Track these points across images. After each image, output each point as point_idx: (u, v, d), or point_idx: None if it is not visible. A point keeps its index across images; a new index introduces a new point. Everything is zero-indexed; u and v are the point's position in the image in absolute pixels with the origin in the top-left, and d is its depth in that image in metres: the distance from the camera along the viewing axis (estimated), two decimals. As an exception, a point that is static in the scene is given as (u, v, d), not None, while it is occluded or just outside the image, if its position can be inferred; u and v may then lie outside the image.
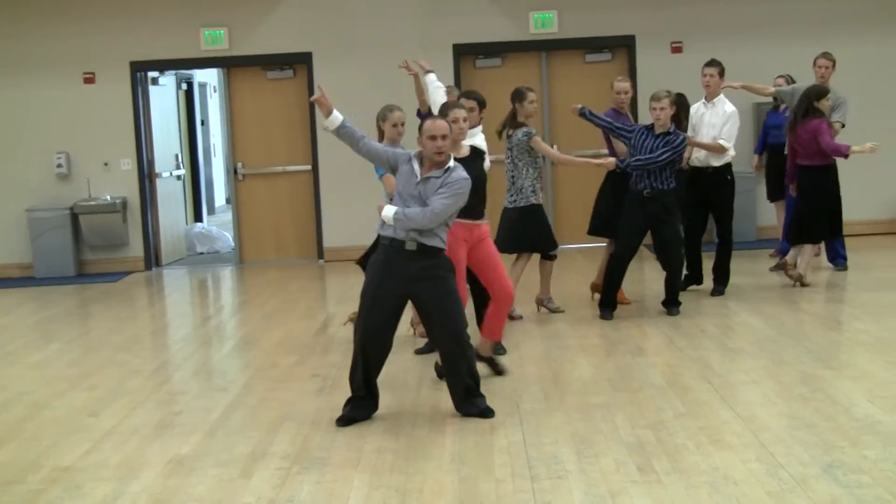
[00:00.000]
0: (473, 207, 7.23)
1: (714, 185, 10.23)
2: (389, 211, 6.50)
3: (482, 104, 8.49)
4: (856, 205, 12.22)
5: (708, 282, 10.49)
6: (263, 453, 6.15)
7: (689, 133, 10.16)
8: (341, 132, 6.80)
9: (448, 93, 8.90)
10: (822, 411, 6.38)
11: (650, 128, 9.38)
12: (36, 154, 14.35)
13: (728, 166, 10.26)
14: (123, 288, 13.28)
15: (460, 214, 6.82)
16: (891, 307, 9.50)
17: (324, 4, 14.23)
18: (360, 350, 6.65)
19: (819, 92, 10.19)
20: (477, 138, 8.21)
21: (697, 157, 10.25)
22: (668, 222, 9.34)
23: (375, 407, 6.76)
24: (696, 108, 10.36)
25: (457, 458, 5.88)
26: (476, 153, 7.68)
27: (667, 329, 8.92)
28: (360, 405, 6.70)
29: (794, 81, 11.79)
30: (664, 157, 9.14)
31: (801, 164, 10.29)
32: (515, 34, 14.21)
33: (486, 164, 7.94)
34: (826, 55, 11.23)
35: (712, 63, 10.37)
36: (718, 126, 10.11)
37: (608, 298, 9.53)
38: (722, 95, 10.31)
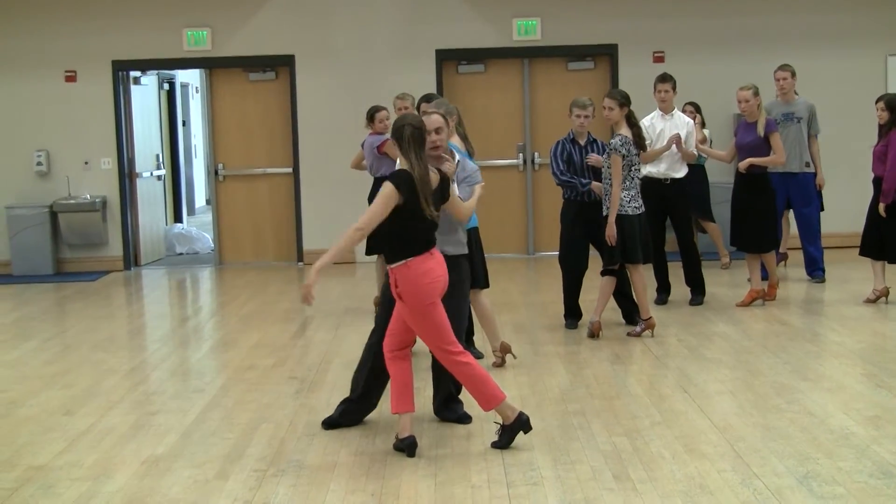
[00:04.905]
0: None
1: (674, 196, 10.29)
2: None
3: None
4: (833, 217, 12.27)
5: (686, 293, 10.52)
6: (240, 455, 6.14)
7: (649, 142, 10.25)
8: None
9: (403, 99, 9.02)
10: (798, 422, 6.42)
11: (573, 140, 9.26)
12: (16, 151, 14.27)
13: (687, 178, 10.44)
14: (101, 287, 13.22)
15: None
16: (866, 320, 9.55)
17: (307, 8, 14.22)
18: (372, 351, 6.60)
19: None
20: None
21: (658, 168, 10.27)
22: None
23: (368, 411, 6.73)
24: (652, 121, 10.35)
25: (433, 464, 5.89)
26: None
27: (644, 338, 8.94)
28: (352, 410, 6.65)
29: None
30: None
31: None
32: (498, 41, 14.22)
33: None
34: (783, 67, 11.26)
35: (666, 79, 10.41)
36: (682, 137, 10.17)
37: (572, 308, 9.52)
38: (676, 108, 10.50)
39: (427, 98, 8.66)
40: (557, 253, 9.69)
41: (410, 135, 6.01)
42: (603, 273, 9.04)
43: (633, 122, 8.91)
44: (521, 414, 6.12)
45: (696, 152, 10.50)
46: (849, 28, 14.09)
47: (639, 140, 8.90)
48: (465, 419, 6.60)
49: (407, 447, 6.02)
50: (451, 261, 6.43)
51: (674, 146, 10.02)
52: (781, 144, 10.12)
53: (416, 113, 6.53)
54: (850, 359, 8.09)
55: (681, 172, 10.32)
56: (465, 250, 6.86)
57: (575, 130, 9.25)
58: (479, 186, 6.89)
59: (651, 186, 10.26)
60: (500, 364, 8.08)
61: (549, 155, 9.38)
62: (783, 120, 11.07)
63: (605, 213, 8.88)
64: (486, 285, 8.08)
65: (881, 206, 9.92)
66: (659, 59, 14.00)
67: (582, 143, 9.25)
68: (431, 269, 6.00)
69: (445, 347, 6.06)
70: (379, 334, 6.49)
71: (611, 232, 8.79)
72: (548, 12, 14.17)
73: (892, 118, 9.91)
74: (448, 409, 6.68)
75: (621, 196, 8.79)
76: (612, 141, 8.85)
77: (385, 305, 6.50)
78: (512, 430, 6.09)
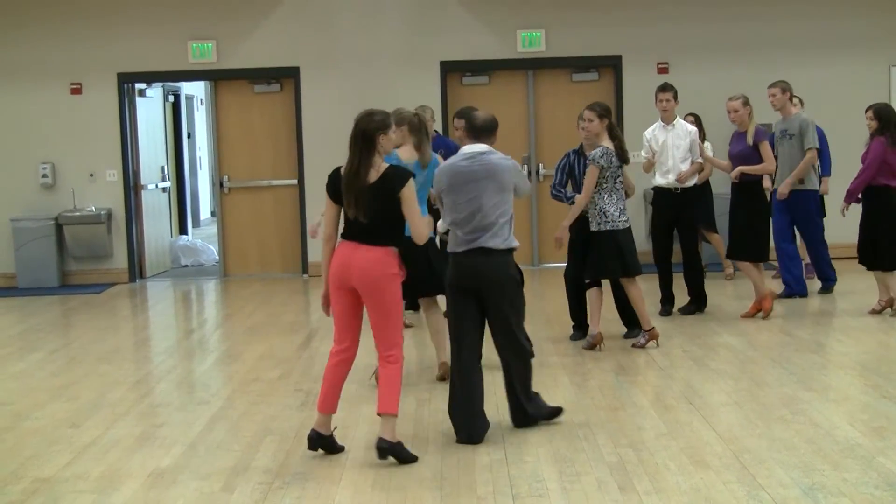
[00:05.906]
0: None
1: (681, 206, 10.30)
2: None
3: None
4: (836, 227, 12.25)
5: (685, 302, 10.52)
6: (245, 467, 6.15)
7: (648, 155, 10.25)
8: None
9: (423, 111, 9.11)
10: (803, 434, 6.41)
11: (579, 152, 9.26)
12: (21, 164, 14.30)
13: (693, 188, 10.45)
14: (107, 299, 13.23)
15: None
16: (872, 330, 9.54)
17: (312, 19, 14.25)
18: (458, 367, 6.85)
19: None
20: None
21: (667, 179, 10.26)
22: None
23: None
24: (654, 132, 10.33)
25: (438, 476, 5.89)
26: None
27: (649, 349, 8.93)
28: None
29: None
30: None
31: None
32: (503, 52, 14.24)
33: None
34: (773, 84, 10.94)
35: (667, 88, 10.36)
36: (684, 147, 10.18)
37: (578, 321, 9.50)
38: (678, 117, 10.45)
39: (458, 114, 8.94)
40: (562, 264, 9.70)
41: (353, 134, 6.33)
42: (587, 286, 9.03)
43: (614, 135, 8.87)
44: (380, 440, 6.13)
45: (700, 160, 10.47)
46: (852, 37, 14.09)
47: (621, 153, 8.86)
48: (555, 412, 6.82)
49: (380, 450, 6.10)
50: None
51: (686, 167, 10.14)
52: (771, 152, 10.15)
53: (386, 113, 6.48)
54: (855, 369, 8.08)
55: (690, 182, 10.31)
56: (427, 244, 6.85)
57: (583, 143, 9.26)
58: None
59: (661, 197, 10.30)
60: (443, 378, 7.87)
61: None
62: (780, 137, 11.00)
63: (596, 229, 8.82)
64: (442, 292, 7.66)
65: (842, 205, 10.16)
66: (663, 69, 14.02)
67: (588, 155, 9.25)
68: (344, 255, 6.44)
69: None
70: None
71: (561, 234, 9.01)
72: (552, 24, 14.19)
73: (881, 127, 9.93)
74: (529, 407, 6.80)
75: (611, 211, 8.76)
76: (593, 152, 8.79)
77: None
78: (392, 451, 6.08)
